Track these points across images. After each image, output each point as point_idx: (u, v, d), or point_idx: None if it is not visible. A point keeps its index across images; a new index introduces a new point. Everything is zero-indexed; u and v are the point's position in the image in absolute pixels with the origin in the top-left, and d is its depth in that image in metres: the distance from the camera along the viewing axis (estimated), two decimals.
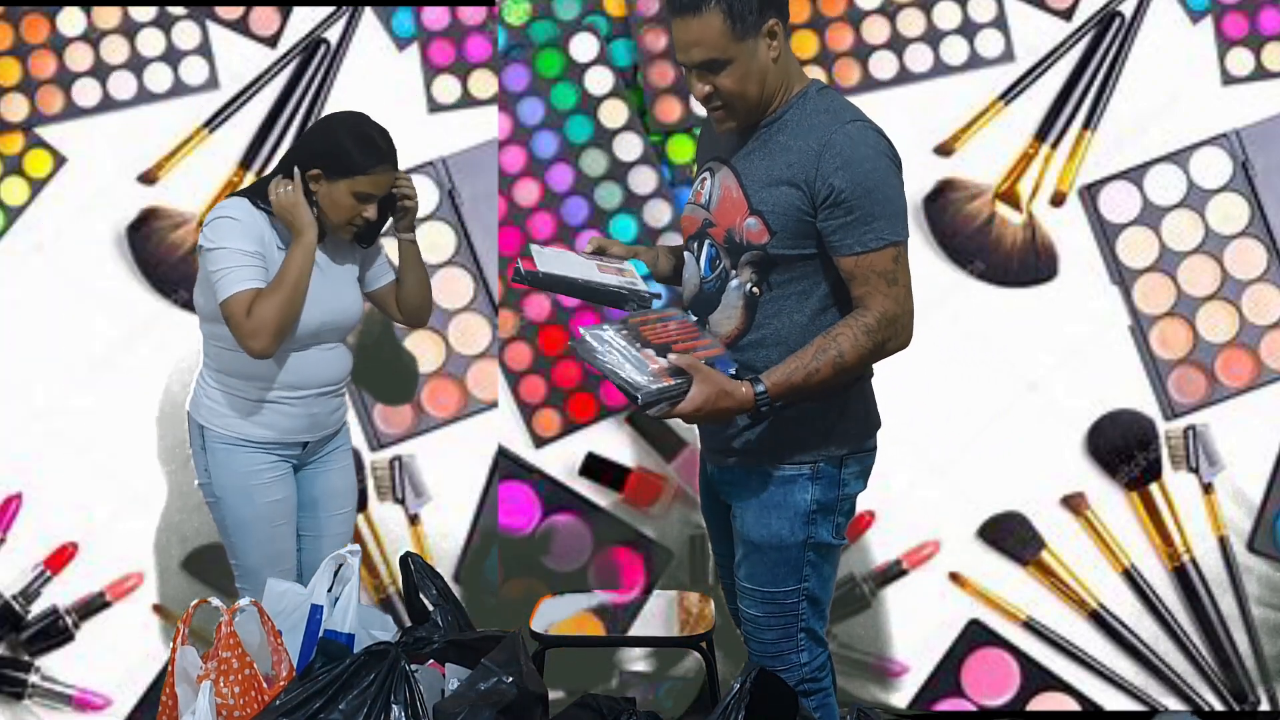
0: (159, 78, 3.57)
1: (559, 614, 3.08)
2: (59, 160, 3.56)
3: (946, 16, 3.57)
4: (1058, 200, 3.56)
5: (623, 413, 3.62)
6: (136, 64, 3.57)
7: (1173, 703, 3.58)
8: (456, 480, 3.62)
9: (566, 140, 3.60)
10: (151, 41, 3.57)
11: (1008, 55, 3.56)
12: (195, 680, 2.37)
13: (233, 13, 3.57)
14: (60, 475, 3.56)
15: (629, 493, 3.63)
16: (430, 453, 3.59)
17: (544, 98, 3.59)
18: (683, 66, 2.44)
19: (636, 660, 3.63)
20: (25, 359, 3.56)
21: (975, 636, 3.61)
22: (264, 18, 3.58)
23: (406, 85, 3.58)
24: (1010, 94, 3.56)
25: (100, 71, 3.56)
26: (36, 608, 3.58)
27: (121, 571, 3.59)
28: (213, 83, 3.57)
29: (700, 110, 3.43)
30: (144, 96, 3.57)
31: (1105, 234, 3.55)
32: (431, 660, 2.47)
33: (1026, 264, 3.57)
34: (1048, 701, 3.60)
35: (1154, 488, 3.56)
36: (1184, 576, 3.57)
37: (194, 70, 3.57)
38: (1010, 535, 3.59)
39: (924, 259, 3.55)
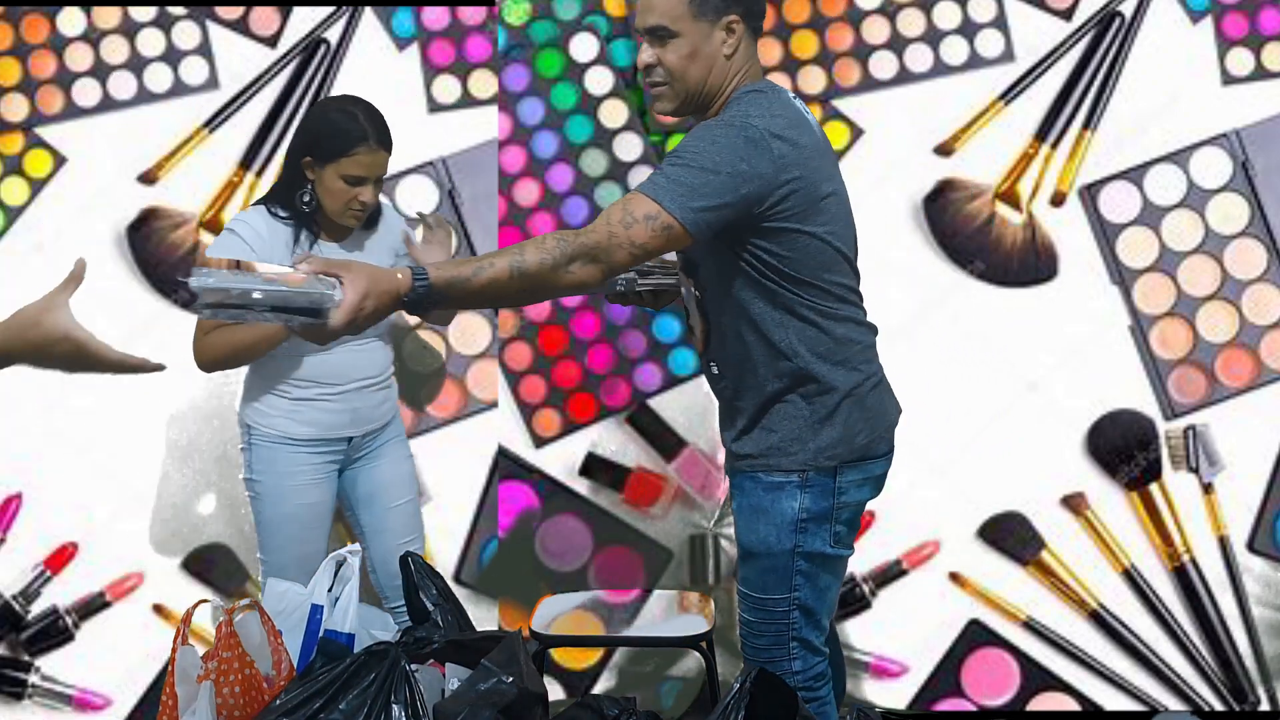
0: (159, 78, 3.57)
1: (559, 614, 3.08)
2: (59, 160, 3.56)
3: (946, 16, 3.56)
4: (1058, 200, 3.56)
5: (623, 413, 3.62)
6: (136, 64, 3.57)
7: (1173, 703, 3.58)
8: (456, 480, 3.62)
9: (566, 140, 3.60)
10: (151, 41, 3.57)
11: (1008, 55, 3.55)
12: (195, 680, 2.36)
13: (233, 13, 3.57)
14: (60, 475, 3.56)
15: (629, 493, 3.62)
16: (430, 453, 3.59)
17: (544, 98, 3.59)
18: (636, 32, 2.42)
19: (636, 660, 3.64)
20: None
21: (975, 636, 3.60)
22: (264, 18, 3.58)
23: (406, 85, 3.58)
24: (1010, 94, 3.55)
25: (100, 71, 3.56)
26: (36, 608, 3.58)
27: (121, 571, 3.58)
28: (213, 83, 3.57)
29: None
30: (144, 96, 3.57)
31: (1105, 234, 3.55)
32: (432, 660, 2.47)
33: (1026, 264, 3.57)
34: (1048, 701, 3.60)
35: (1154, 488, 3.56)
36: (1184, 576, 3.57)
37: (194, 70, 3.57)
38: (1010, 535, 3.59)
39: (924, 259, 3.55)
